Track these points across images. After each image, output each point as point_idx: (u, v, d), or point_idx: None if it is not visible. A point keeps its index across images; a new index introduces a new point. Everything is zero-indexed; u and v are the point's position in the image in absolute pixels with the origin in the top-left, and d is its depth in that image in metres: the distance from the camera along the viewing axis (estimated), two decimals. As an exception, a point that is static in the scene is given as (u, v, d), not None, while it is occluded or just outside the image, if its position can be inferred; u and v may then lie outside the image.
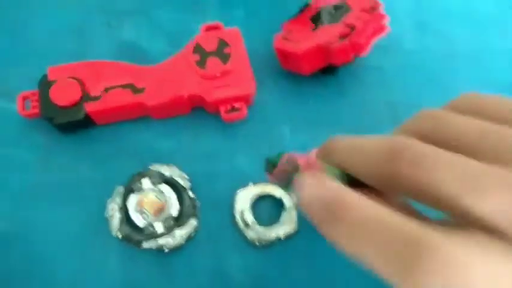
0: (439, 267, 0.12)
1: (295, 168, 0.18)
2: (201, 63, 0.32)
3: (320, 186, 0.16)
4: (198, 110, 0.34)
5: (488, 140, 0.14)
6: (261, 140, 0.34)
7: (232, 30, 0.33)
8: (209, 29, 0.34)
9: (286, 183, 0.18)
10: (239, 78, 0.32)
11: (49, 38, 0.36)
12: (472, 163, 0.13)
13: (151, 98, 0.31)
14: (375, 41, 0.31)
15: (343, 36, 0.30)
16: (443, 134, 0.15)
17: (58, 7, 0.38)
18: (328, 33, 0.31)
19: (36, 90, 0.32)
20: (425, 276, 0.12)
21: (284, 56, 0.33)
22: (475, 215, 0.13)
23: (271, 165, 0.19)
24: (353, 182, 0.17)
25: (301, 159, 0.18)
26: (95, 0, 0.38)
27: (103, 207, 0.30)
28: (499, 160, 0.13)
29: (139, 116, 0.33)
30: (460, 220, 0.14)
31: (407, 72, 0.37)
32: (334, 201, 0.15)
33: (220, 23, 0.34)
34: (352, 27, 0.30)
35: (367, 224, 0.14)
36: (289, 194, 0.31)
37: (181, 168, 0.31)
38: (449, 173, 0.13)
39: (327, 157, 0.18)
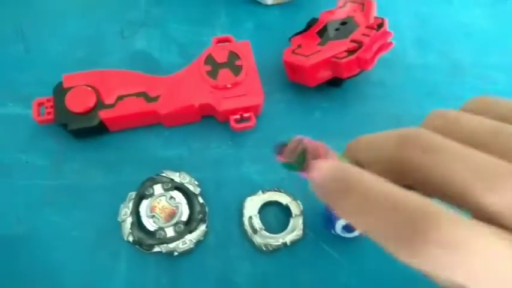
0: (439, 239, 0.12)
1: (303, 149, 0.19)
2: (213, 74, 0.33)
3: (332, 166, 0.16)
4: (208, 118, 0.35)
5: (500, 138, 0.14)
6: (268, 148, 0.34)
7: (242, 43, 0.35)
8: (220, 41, 0.35)
9: (294, 162, 0.19)
10: (249, 89, 0.33)
11: (63, 46, 0.37)
12: (485, 156, 0.13)
13: (163, 107, 0.32)
14: (380, 56, 0.33)
15: (351, 52, 0.32)
16: (454, 131, 0.15)
17: (72, 16, 0.39)
18: (336, 48, 0.32)
19: (50, 96, 0.33)
20: (425, 245, 0.12)
21: (292, 68, 0.34)
22: (485, 207, 0.13)
23: (281, 146, 0.20)
24: None
25: (310, 142, 0.19)
26: (108, 10, 0.39)
27: (114, 212, 0.31)
28: (511, 158, 0.13)
29: (151, 123, 0.34)
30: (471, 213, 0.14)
31: (410, 85, 0.38)
32: (345, 176, 0.15)
33: (231, 36, 0.35)
34: (359, 43, 0.32)
35: (374, 196, 0.14)
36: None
37: (191, 174, 0.32)
38: (461, 163, 0.13)
39: (348, 153, 0.18)
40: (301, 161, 0.18)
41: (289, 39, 0.37)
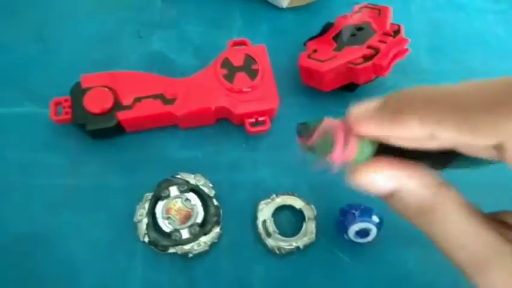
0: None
1: (332, 133, 0.18)
2: (229, 77, 0.33)
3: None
4: (222, 120, 0.35)
5: None
6: (282, 152, 0.35)
7: (258, 47, 0.35)
8: (236, 44, 0.35)
9: (320, 147, 0.18)
10: (264, 93, 0.34)
11: (80, 47, 0.38)
12: None
13: (180, 109, 0.33)
14: (396, 62, 0.33)
15: (367, 58, 0.32)
16: None
17: (89, 16, 0.39)
18: (352, 54, 0.32)
19: (68, 96, 0.33)
20: None
21: (308, 73, 0.34)
22: None
23: (308, 128, 0.18)
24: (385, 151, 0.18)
25: (338, 125, 0.18)
26: (125, 11, 0.40)
27: (130, 212, 0.31)
28: None
29: (167, 125, 0.34)
30: None
31: (423, 92, 0.38)
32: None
33: (247, 40, 0.35)
34: (376, 50, 0.32)
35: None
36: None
37: (205, 176, 0.33)
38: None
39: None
40: (329, 145, 0.18)
41: (304, 43, 0.37)
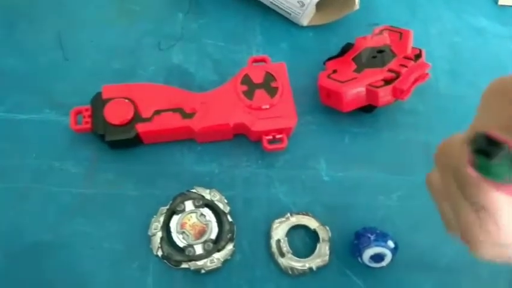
0: None
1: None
2: (249, 94, 0.34)
3: None
4: (239, 136, 0.35)
5: None
6: (298, 170, 0.35)
7: (278, 65, 0.35)
8: (256, 60, 0.36)
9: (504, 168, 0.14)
10: (283, 111, 0.34)
11: (100, 56, 0.38)
12: None
13: (199, 124, 0.33)
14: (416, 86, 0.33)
15: (388, 81, 0.32)
16: None
17: (111, 26, 0.40)
18: (372, 77, 0.32)
19: (88, 106, 0.33)
20: None
21: (327, 93, 0.34)
22: None
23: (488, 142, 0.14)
24: None
25: None
26: (146, 23, 0.40)
27: (144, 224, 0.31)
28: None
29: (185, 138, 0.35)
30: None
31: (441, 115, 0.38)
32: None
33: (268, 57, 0.36)
34: (396, 73, 0.32)
35: None
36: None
37: (220, 192, 0.33)
38: None
39: None
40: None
41: (324, 62, 0.37)
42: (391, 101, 0.33)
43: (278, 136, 0.34)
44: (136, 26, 0.40)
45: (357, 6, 0.38)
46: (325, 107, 0.37)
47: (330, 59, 0.37)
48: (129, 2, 0.41)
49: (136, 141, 0.33)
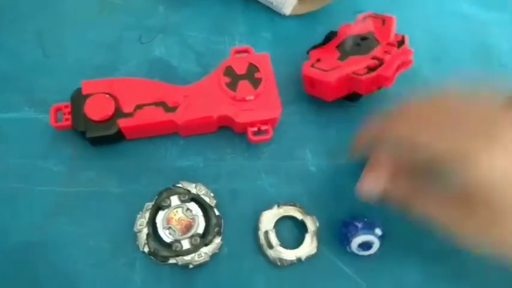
0: None
1: None
2: (232, 85, 0.33)
3: None
4: (224, 129, 0.35)
5: None
6: (284, 161, 0.35)
7: (262, 56, 0.35)
8: (239, 51, 0.35)
9: None
10: (267, 102, 0.33)
11: (81, 52, 0.37)
12: None
13: (182, 117, 0.32)
14: (400, 73, 0.33)
15: (371, 69, 0.32)
16: None
17: (92, 22, 0.39)
18: (356, 65, 0.32)
19: (68, 103, 0.32)
20: None
21: (311, 83, 0.34)
22: None
23: None
24: None
25: None
26: (127, 17, 0.39)
27: (130, 221, 0.31)
28: None
29: (168, 133, 0.34)
30: None
31: (426, 102, 0.38)
32: None
33: (250, 47, 0.35)
34: (380, 61, 0.32)
35: None
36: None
37: (206, 185, 0.32)
38: None
39: None
40: None
41: (308, 51, 0.37)
42: (375, 89, 0.33)
43: (263, 127, 0.33)
44: (117, 20, 0.39)
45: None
46: (310, 96, 0.36)
47: (313, 47, 0.37)
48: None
49: (118, 137, 0.32)
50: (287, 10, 0.40)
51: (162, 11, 0.40)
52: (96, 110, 0.31)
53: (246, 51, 0.35)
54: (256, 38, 0.39)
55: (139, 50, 0.38)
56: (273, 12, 0.41)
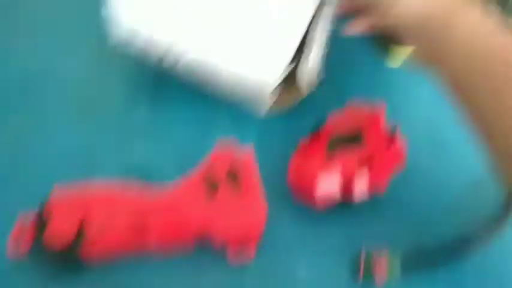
0: None
1: None
2: (211, 193, 0.30)
3: None
4: (202, 247, 0.31)
5: None
6: (272, 280, 0.31)
7: (245, 158, 0.31)
8: (222, 149, 0.32)
9: None
10: (250, 210, 0.30)
11: (55, 155, 0.36)
12: None
13: (154, 239, 0.29)
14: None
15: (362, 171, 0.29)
16: None
17: (69, 124, 0.38)
18: (346, 166, 0.29)
19: (28, 228, 0.29)
20: None
21: (298, 192, 0.31)
22: None
23: None
24: None
25: None
26: (106, 119, 0.38)
27: None
28: None
29: (139, 255, 0.30)
30: None
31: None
32: None
33: (233, 148, 0.32)
34: (369, 166, 0.29)
35: None
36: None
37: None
38: None
39: None
40: None
41: (293, 153, 0.34)
42: (367, 197, 0.30)
43: (244, 246, 0.30)
44: (95, 122, 0.38)
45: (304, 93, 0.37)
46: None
47: (300, 143, 0.34)
48: (88, 99, 0.39)
49: (81, 265, 0.29)
50: (262, 112, 0.37)
51: (143, 110, 0.39)
52: (57, 237, 0.28)
53: (229, 150, 0.32)
54: (241, 131, 0.37)
55: (117, 152, 0.36)
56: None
